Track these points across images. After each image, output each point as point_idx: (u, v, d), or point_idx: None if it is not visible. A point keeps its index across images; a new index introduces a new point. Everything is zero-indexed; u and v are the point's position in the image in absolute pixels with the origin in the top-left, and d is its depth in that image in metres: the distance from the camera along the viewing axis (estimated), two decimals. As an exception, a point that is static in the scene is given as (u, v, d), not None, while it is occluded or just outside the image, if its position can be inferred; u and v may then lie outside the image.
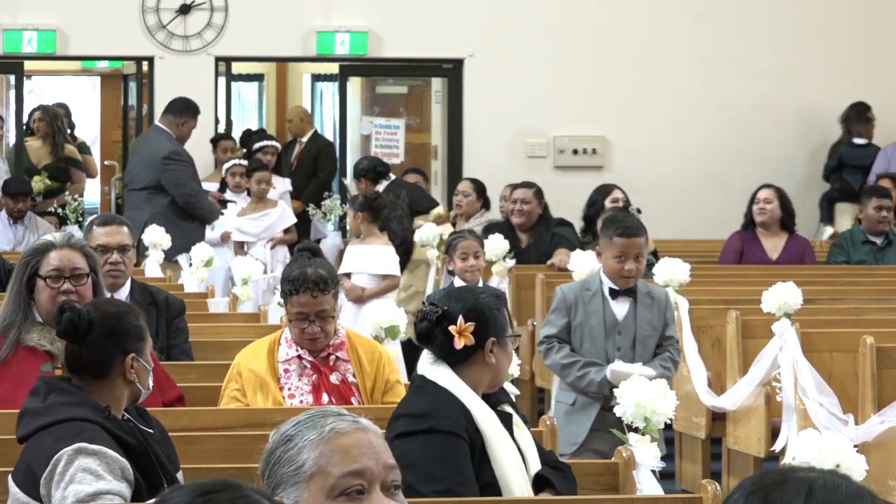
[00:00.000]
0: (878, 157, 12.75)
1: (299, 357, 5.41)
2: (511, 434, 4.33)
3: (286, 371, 5.40)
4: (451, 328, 4.34)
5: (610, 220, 6.69)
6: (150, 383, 4.13)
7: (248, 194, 11.39)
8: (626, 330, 6.47)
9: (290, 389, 5.37)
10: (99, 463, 3.75)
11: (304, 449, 2.85)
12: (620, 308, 6.49)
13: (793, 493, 2.00)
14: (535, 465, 4.34)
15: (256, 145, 12.36)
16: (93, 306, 4.18)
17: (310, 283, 5.34)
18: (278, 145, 12.54)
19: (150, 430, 4.08)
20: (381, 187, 10.92)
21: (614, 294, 6.49)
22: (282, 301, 7.77)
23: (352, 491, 2.81)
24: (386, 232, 9.86)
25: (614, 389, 5.22)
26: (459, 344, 4.32)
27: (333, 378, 5.39)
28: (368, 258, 9.55)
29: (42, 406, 3.98)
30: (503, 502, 4.23)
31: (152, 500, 2.19)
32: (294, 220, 11.38)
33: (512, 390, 6.82)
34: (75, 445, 3.77)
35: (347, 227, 13.10)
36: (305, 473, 2.82)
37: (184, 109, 10.91)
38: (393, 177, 11.19)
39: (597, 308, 6.50)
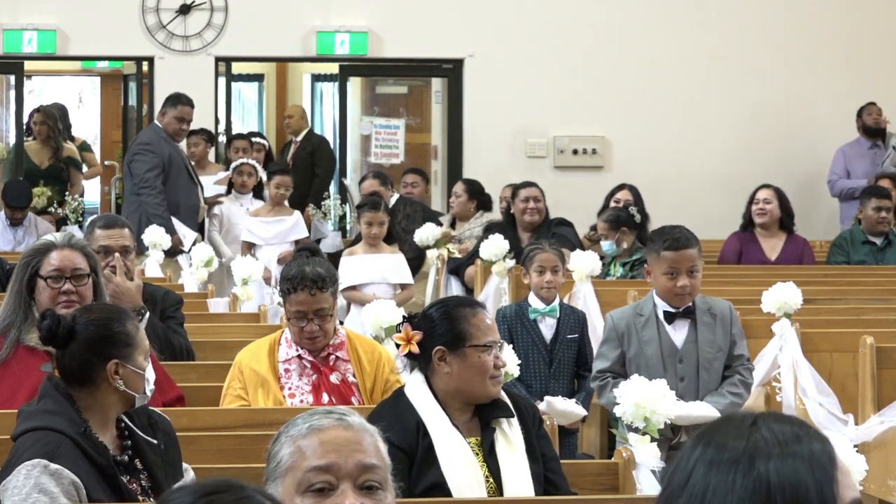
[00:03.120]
0: (835, 157, 12.78)
1: (299, 357, 5.42)
2: (489, 449, 4.32)
3: (286, 371, 5.41)
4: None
5: (657, 233, 6.15)
6: (148, 388, 4.08)
7: (255, 196, 11.25)
8: (688, 356, 5.91)
9: (290, 389, 5.38)
10: (56, 484, 3.75)
11: (283, 445, 2.89)
12: (678, 333, 5.94)
13: (738, 424, 2.02)
14: (514, 481, 4.30)
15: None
16: (81, 312, 4.16)
17: (308, 281, 5.36)
18: (265, 142, 12.47)
19: (154, 441, 4.07)
20: (394, 199, 10.90)
21: (670, 318, 5.94)
22: (281, 301, 7.76)
23: (317, 487, 2.82)
24: (399, 243, 9.79)
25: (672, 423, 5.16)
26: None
27: (333, 378, 5.40)
28: (385, 268, 9.28)
29: (30, 410, 4.01)
30: (497, 502, 4.23)
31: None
32: (306, 232, 11.00)
33: (572, 411, 6.60)
34: (36, 461, 3.78)
35: (348, 228, 13.09)
36: (281, 468, 2.87)
37: (164, 101, 10.91)
38: (398, 193, 11.18)
39: (651, 335, 5.93)
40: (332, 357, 5.44)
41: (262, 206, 10.91)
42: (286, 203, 10.97)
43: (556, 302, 7.11)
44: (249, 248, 10.59)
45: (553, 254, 7.22)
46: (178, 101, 10.79)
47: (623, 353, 5.97)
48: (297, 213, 10.95)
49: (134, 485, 3.95)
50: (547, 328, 7.02)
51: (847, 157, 12.77)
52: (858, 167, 12.69)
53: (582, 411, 6.81)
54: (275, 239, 10.71)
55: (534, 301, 7.09)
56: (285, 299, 5.44)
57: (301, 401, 5.36)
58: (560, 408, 6.66)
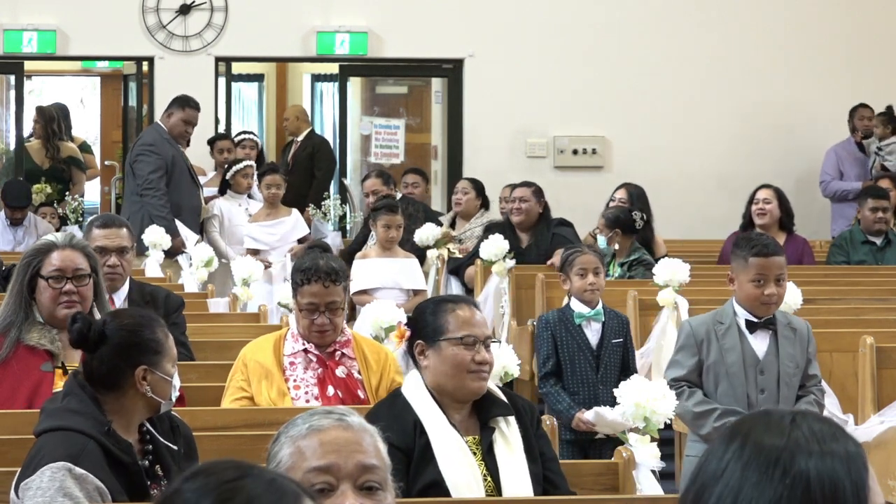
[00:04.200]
0: (826, 157, 12.82)
1: (305, 350, 5.44)
2: (487, 448, 4.32)
3: (291, 364, 5.43)
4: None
5: (743, 239, 5.84)
6: (174, 395, 4.10)
7: (249, 196, 11.19)
8: (769, 368, 5.67)
9: (295, 381, 5.39)
10: (80, 488, 3.75)
11: (283, 445, 2.88)
12: (760, 343, 5.69)
13: (777, 421, 2.03)
14: (513, 481, 4.30)
15: (235, 139, 12.22)
16: (111, 317, 4.18)
17: (322, 273, 5.39)
18: (257, 139, 12.43)
19: (175, 447, 4.08)
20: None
21: (752, 327, 5.69)
22: (282, 301, 7.73)
23: (317, 487, 2.81)
24: (400, 243, 9.72)
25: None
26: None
27: (339, 371, 5.43)
28: (399, 272, 9.07)
29: (54, 408, 4.00)
30: (496, 502, 4.24)
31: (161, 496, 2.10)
32: (307, 229, 10.92)
33: (623, 423, 5.75)
34: (61, 464, 3.78)
35: (348, 228, 13.09)
36: (281, 469, 2.85)
37: (171, 102, 10.86)
38: (399, 193, 11.11)
39: (733, 344, 5.66)
40: (338, 353, 5.47)
41: (259, 211, 10.78)
42: (281, 203, 10.88)
43: (601, 305, 6.89)
44: (255, 254, 10.48)
45: (594, 256, 7.00)
46: (187, 103, 10.74)
47: (700, 362, 5.70)
48: (294, 211, 10.87)
49: (155, 490, 3.95)
50: (592, 333, 6.80)
51: (839, 158, 12.80)
52: (851, 169, 12.72)
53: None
54: (279, 242, 10.59)
55: (576, 306, 6.85)
56: (297, 291, 5.45)
57: (306, 392, 5.37)
58: (610, 418, 6.33)
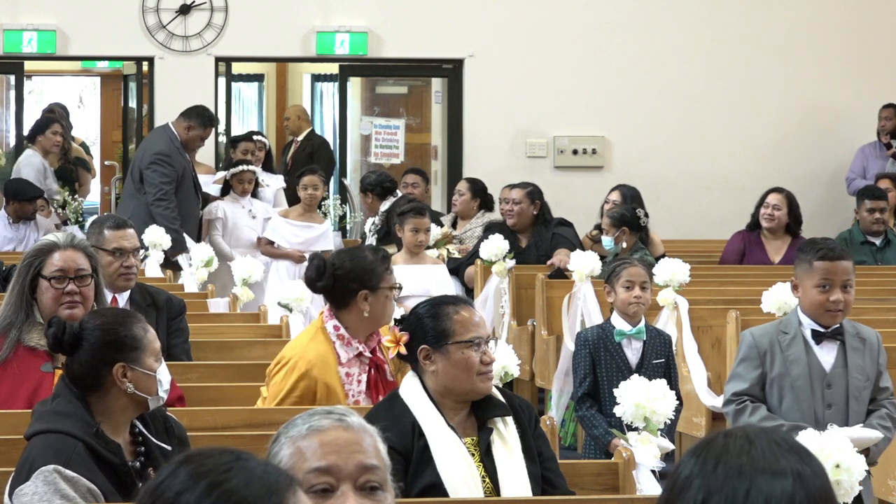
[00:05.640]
0: (855, 155, 12.88)
1: (358, 354, 5.34)
2: (486, 449, 4.31)
3: (348, 375, 5.33)
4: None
5: (808, 243, 5.52)
6: (162, 390, 4.07)
7: (254, 195, 11.15)
8: (837, 381, 5.36)
9: (353, 397, 5.29)
10: (74, 490, 3.75)
11: (283, 446, 2.87)
12: (827, 354, 5.38)
13: (774, 459, 2.14)
14: (511, 481, 4.29)
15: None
16: (89, 317, 4.16)
17: (386, 255, 5.46)
18: (266, 140, 12.42)
19: (168, 448, 4.06)
20: (386, 204, 10.75)
21: (818, 337, 5.38)
22: (282, 301, 7.67)
23: (318, 488, 2.81)
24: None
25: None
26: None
27: (389, 375, 5.35)
28: (428, 280, 8.66)
29: (44, 411, 4.00)
30: (495, 502, 4.24)
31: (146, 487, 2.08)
32: (332, 245, 10.63)
33: (661, 444, 5.23)
34: (52, 467, 3.77)
35: (348, 228, 13.09)
36: None
37: (191, 114, 10.81)
38: (399, 193, 11.03)
39: (798, 355, 5.35)
40: (377, 351, 5.39)
41: (294, 208, 10.75)
42: (288, 204, 10.85)
43: (643, 324, 6.65)
44: (271, 244, 10.47)
45: (642, 268, 6.71)
46: (210, 122, 10.81)
47: (763, 374, 5.41)
48: (327, 222, 10.81)
49: None
50: (633, 352, 6.55)
51: (866, 157, 12.86)
52: (874, 167, 12.76)
53: (669, 445, 5.79)
54: (301, 245, 10.49)
55: (618, 322, 6.59)
56: (382, 278, 5.36)
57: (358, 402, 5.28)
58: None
